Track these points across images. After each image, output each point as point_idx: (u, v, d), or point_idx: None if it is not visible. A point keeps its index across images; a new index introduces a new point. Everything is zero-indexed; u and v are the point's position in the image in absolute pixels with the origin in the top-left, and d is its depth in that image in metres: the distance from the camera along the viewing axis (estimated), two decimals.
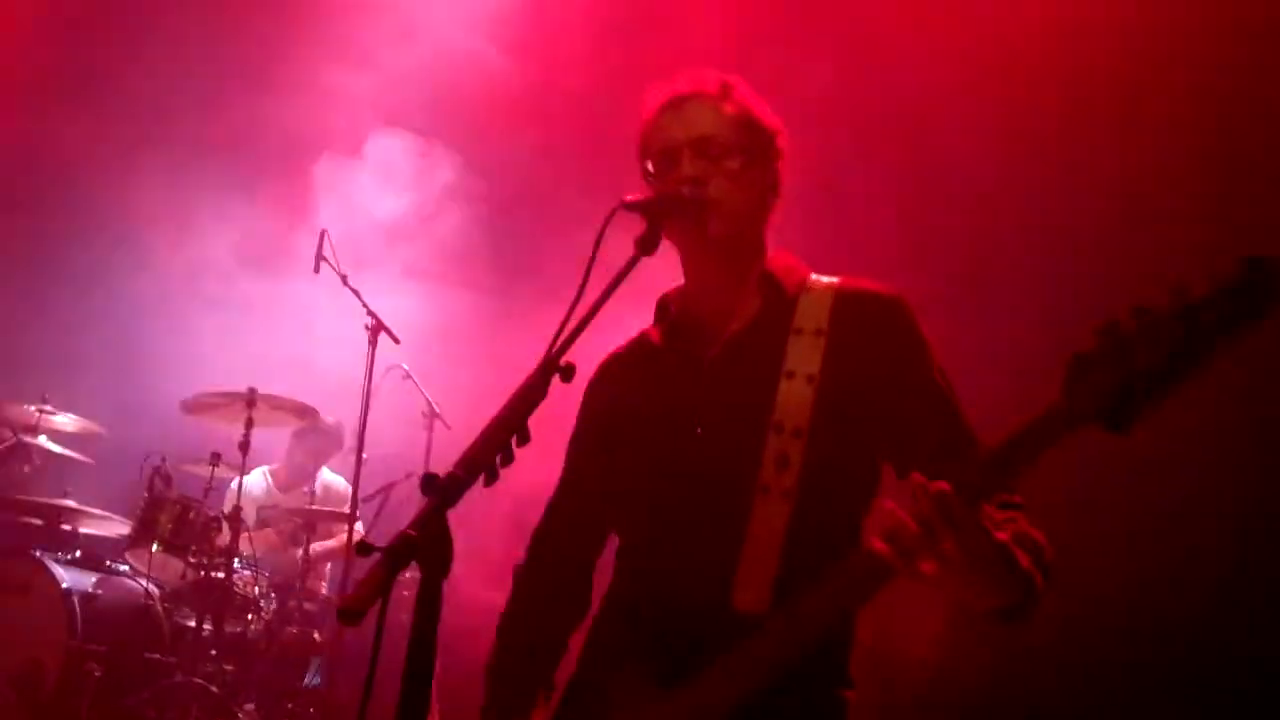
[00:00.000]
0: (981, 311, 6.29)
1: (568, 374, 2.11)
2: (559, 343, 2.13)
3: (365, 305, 6.60)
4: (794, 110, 2.80)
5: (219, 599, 6.31)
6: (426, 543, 1.89)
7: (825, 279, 2.68)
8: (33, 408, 6.85)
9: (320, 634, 6.61)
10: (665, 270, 2.63)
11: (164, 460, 6.55)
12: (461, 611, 2.55)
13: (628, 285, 2.26)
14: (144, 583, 6.41)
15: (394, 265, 7.68)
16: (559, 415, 2.80)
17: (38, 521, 6.85)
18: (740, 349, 2.62)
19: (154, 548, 6.37)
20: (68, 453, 6.95)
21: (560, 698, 2.69)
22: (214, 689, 6.04)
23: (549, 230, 7.21)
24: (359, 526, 6.54)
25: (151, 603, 6.36)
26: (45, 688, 5.92)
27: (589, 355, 2.37)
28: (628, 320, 2.65)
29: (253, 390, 6.61)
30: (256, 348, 7.54)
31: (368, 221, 7.84)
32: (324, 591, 7.12)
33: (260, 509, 7.08)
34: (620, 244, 2.35)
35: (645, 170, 2.68)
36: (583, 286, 2.20)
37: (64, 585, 6.12)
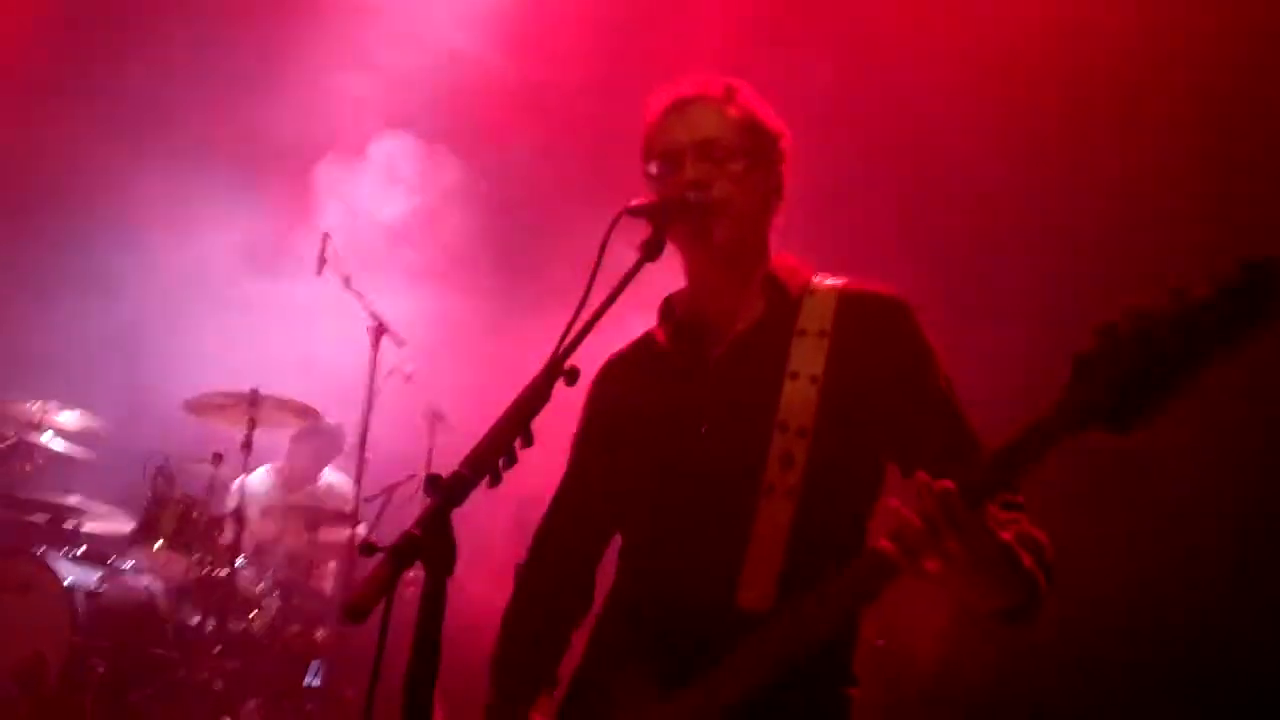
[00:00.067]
0: (983, 312, 6.30)
1: (572, 377, 2.12)
2: (564, 346, 2.15)
3: (368, 307, 6.62)
4: (794, 111, 2.81)
5: (222, 597, 6.33)
6: (430, 542, 1.90)
7: (829, 281, 2.69)
8: (36, 406, 6.86)
9: (323, 632, 6.62)
10: (669, 271, 2.64)
11: (167, 459, 6.56)
12: (465, 611, 2.55)
13: (631, 285, 2.27)
14: (147, 580, 6.42)
15: (397, 267, 7.69)
16: (562, 417, 2.83)
17: (41, 519, 6.85)
18: (744, 350, 2.63)
19: (157, 545, 6.38)
20: (71, 451, 6.95)
21: (564, 695, 2.70)
22: (217, 686, 6.06)
23: (553, 232, 7.22)
24: (361, 527, 6.56)
25: (154, 600, 6.37)
26: (48, 684, 5.93)
27: (592, 356, 2.39)
28: (630, 320, 2.66)
29: (255, 391, 6.61)
30: (260, 348, 7.55)
31: (371, 223, 7.84)
32: (328, 590, 7.13)
33: (263, 509, 7.09)
34: (624, 247, 2.36)
35: (648, 172, 2.69)
36: (587, 291, 2.21)
37: (67, 582, 6.12)
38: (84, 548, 6.60)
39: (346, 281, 6.62)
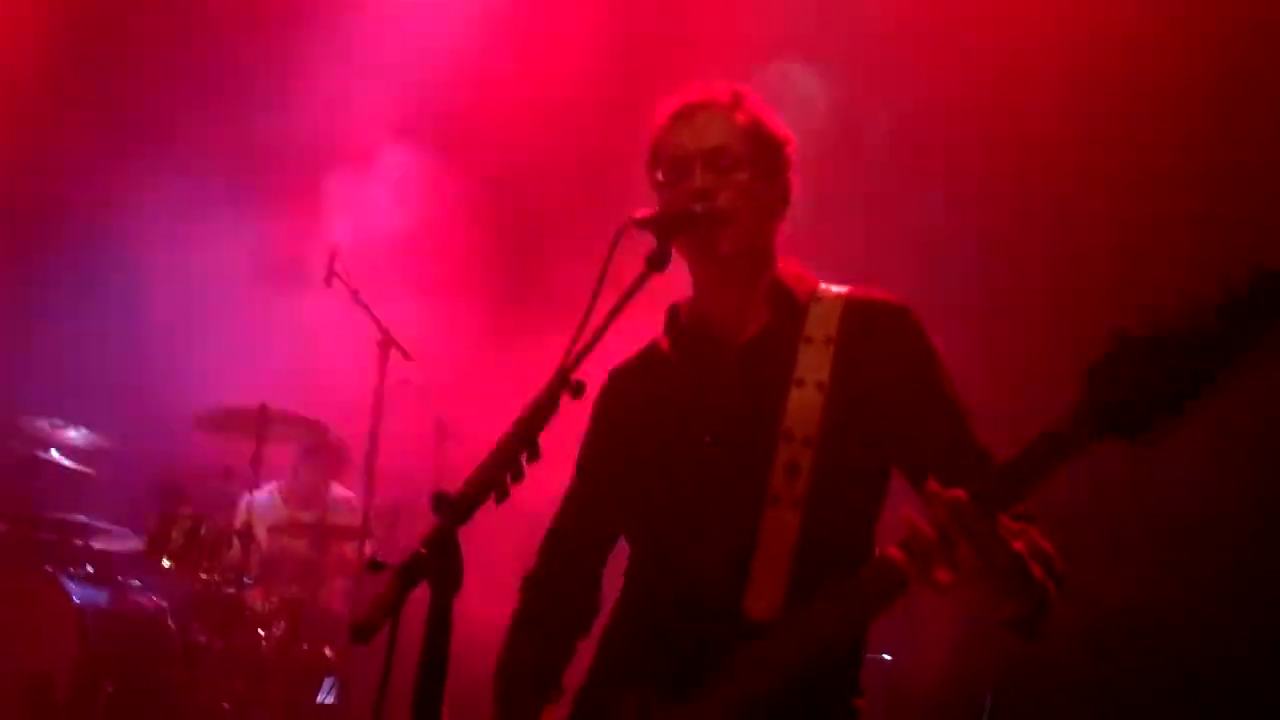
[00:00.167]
0: (988, 316, 6.29)
1: (578, 390, 2.11)
2: (570, 359, 2.13)
3: (376, 320, 6.61)
4: (798, 117, 2.80)
5: (230, 614, 6.31)
6: (437, 561, 1.89)
7: (834, 288, 2.69)
8: (45, 422, 6.86)
9: (332, 650, 6.60)
10: (673, 277, 2.63)
11: (175, 475, 6.56)
12: (472, 629, 2.54)
13: (636, 293, 2.26)
14: (155, 598, 6.41)
15: (405, 280, 7.68)
16: (568, 431, 2.81)
17: (50, 537, 6.85)
18: (750, 358, 2.63)
19: (165, 563, 6.37)
20: (80, 468, 6.95)
21: (571, 706, 2.70)
22: (225, 705, 6.04)
23: (560, 244, 7.21)
24: (369, 543, 6.55)
25: (163, 618, 6.36)
26: (57, 703, 5.93)
27: (597, 364, 2.38)
28: (635, 328, 2.65)
29: (264, 405, 6.61)
30: (267, 363, 7.54)
31: (379, 236, 7.84)
32: (337, 607, 7.11)
33: (272, 524, 7.07)
34: (630, 257, 2.35)
35: (654, 179, 2.69)
36: (593, 302, 2.20)
37: (76, 600, 6.12)
38: (92, 565, 6.59)
39: (354, 294, 6.62)
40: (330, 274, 6.56)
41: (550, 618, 2.87)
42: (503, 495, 2.01)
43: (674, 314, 2.76)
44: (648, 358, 2.81)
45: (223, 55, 8.06)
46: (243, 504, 6.84)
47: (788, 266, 2.71)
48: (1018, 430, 2.03)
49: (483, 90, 7.73)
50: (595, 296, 2.21)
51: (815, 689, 2.32)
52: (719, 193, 2.56)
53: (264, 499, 7.36)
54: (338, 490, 7.58)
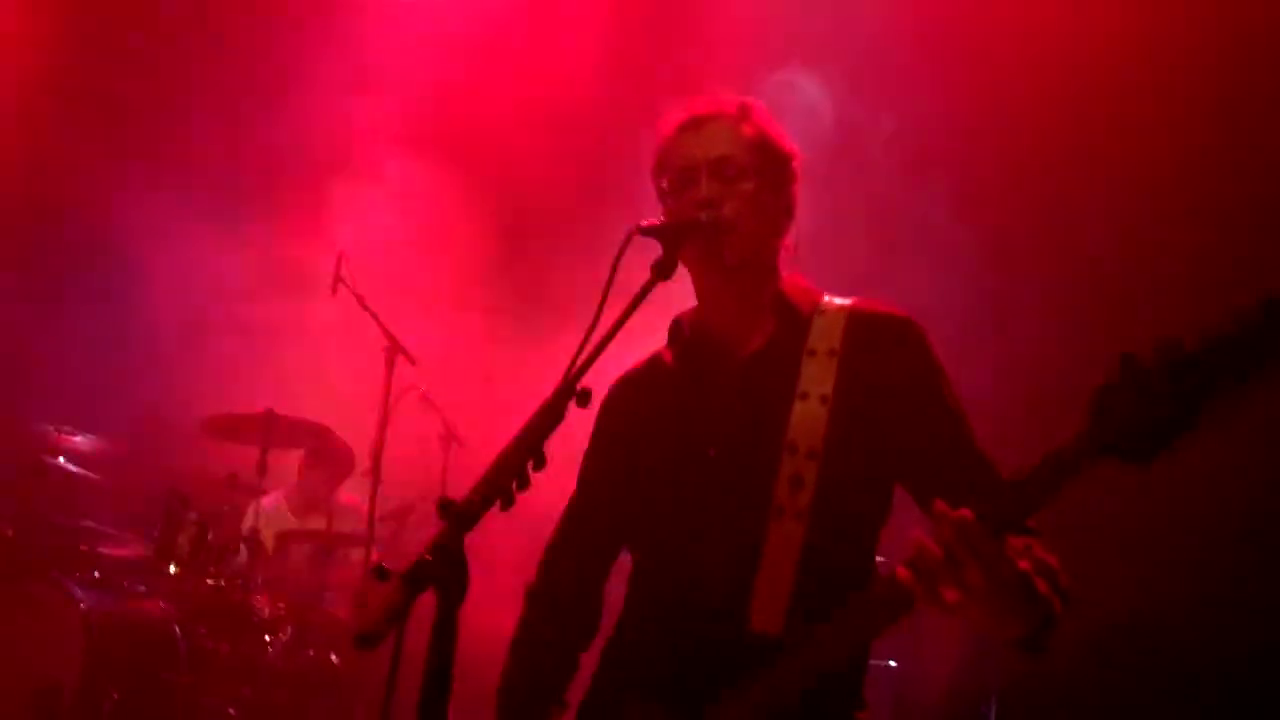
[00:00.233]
0: (999, 328, 6.29)
1: (584, 399, 2.11)
2: (576, 367, 2.14)
3: (382, 327, 6.62)
4: (804, 126, 2.81)
5: (237, 620, 6.31)
6: (443, 568, 1.89)
7: (838, 301, 2.69)
8: (51, 428, 6.87)
9: (338, 657, 6.60)
10: (673, 286, 2.63)
11: (182, 481, 6.56)
12: (477, 636, 2.54)
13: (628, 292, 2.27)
14: (162, 605, 6.41)
15: (411, 287, 7.69)
16: (574, 438, 2.82)
17: (56, 542, 6.85)
18: (754, 370, 2.63)
19: (172, 569, 6.37)
20: (86, 473, 6.96)
21: (574, 719, 2.70)
22: (231, 711, 6.04)
23: (566, 251, 7.21)
24: (375, 550, 6.54)
25: (169, 625, 6.35)
26: (63, 709, 5.92)
27: (602, 371, 2.38)
28: (637, 335, 2.65)
29: (270, 411, 6.61)
30: (274, 369, 7.55)
31: (385, 243, 7.84)
32: (343, 614, 7.10)
33: (278, 532, 7.07)
34: (637, 265, 2.36)
35: (660, 187, 2.70)
36: (599, 311, 2.20)
37: (82, 606, 6.12)
38: (99, 571, 6.59)
39: (360, 301, 6.62)
40: (336, 280, 6.56)
41: (553, 630, 2.87)
42: (508, 502, 2.01)
43: (677, 326, 2.76)
44: (651, 369, 2.81)
45: (229, 64, 8.08)
46: (250, 510, 6.83)
47: (792, 280, 2.72)
48: (1024, 439, 2.03)
49: (489, 97, 7.74)
50: (602, 304, 2.21)
51: (817, 703, 2.31)
52: (724, 202, 2.57)
53: (271, 505, 7.36)
54: (344, 497, 7.58)
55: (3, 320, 7.72)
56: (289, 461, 7.43)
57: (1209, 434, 1.84)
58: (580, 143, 7.60)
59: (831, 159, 5.93)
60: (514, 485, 2.02)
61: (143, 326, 8.08)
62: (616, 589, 2.82)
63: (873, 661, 2.60)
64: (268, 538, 6.84)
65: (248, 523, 6.67)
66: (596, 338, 2.18)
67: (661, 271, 2.36)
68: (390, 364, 6.57)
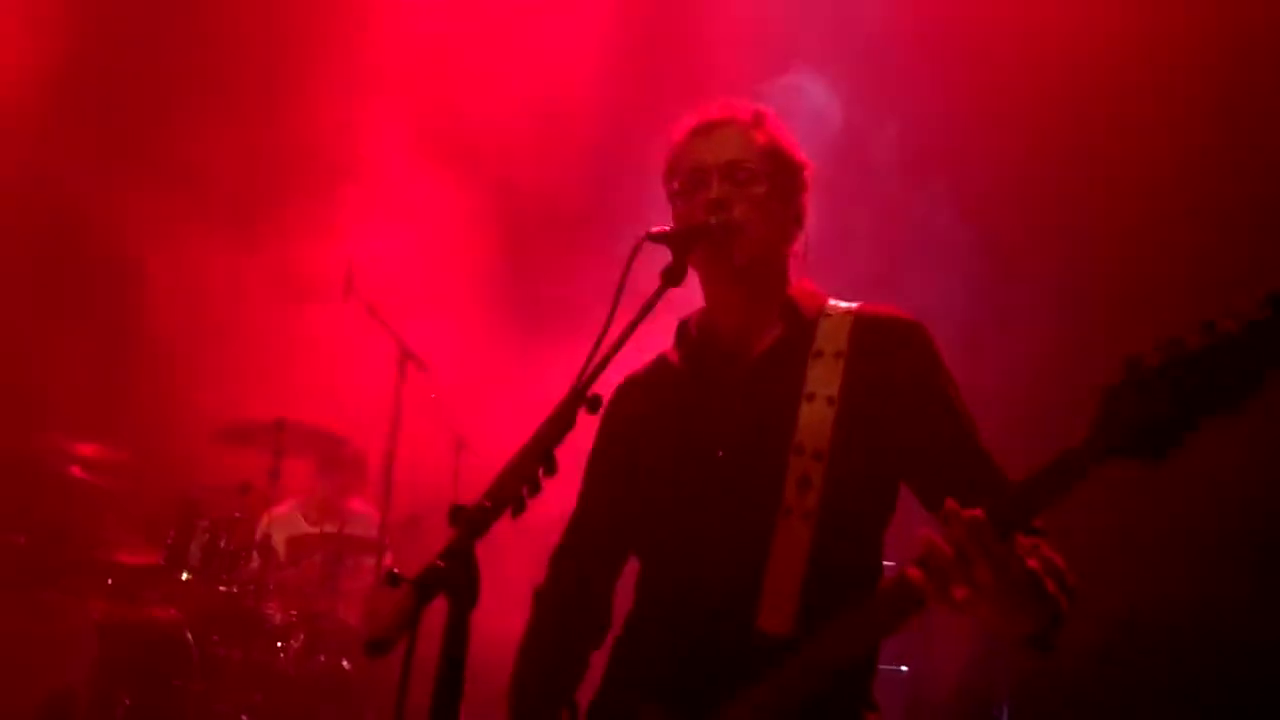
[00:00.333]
0: (1003, 331, 6.30)
1: (595, 405, 2.12)
2: (586, 373, 2.14)
3: (393, 333, 6.63)
4: (809, 129, 2.82)
5: (249, 627, 6.32)
6: (454, 574, 1.89)
7: (843, 304, 2.71)
8: (64, 437, 6.88)
9: (350, 663, 6.61)
10: (678, 289, 2.64)
11: (194, 489, 6.57)
12: (488, 642, 2.54)
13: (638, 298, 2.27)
14: (174, 612, 6.42)
15: (422, 293, 7.70)
16: (584, 444, 2.83)
17: (68, 550, 6.86)
18: (761, 372, 2.65)
19: (184, 576, 6.38)
20: (98, 482, 6.97)
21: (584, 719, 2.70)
22: (243, 717, 6.05)
23: (577, 258, 7.22)
24: (387, 556, 6.55)
25: (181, 632, 6.36)
26: (76, 716, 5.93)
27: (607, 376, 2.39)
28: (640, 338, 2.66)
29: (281, 419, 6.62)
30: (285, 377, 7.56)
31: (396, 250, 7.86)
32: (354, 620, 7.11)
33: (290, 537, 7.09)
34: (646, 270, 2.36)
35: (671, 189, 2.72)
36: (610, 317, 2.21)
37: (94, 614, 6.13)
38: (111, 579, 6.60)
39: (371, 308, 6.63)
40: (348, 288, 6.57)
41: (561, 632, 2.88)
42: (519, 509, 2.02)
43: (684, 328, 2.77)
44: (657, 371, 2.83)
45: (239, 72, 8.09)
46: (263, 517, 6.85)
47: (800, 285, 2.74)
48: (1029, 440, 2.04)
49: (498, 104, 7.74)
50: (613, 311, 2.22)
51: (827, 703, 2.32)
52: (734, 204, 2.59)
53: (284, 511, 7.38)
54: (356, 504, 7.59)
55: (14, 329, 7.74)
56: (301, 469, 7.44)
57: (1213, 434, 1.85)
58: (591, 148, 7.62)
59: (835, 162, 5.95)
60: (525, 491, 2.02)
61: (155, 335, 8.09)
62: (625, 590, 2.82)
63: (884, 666, 2.61)
64: (280, 543, 6.85)
65: (260, 530, 6.68)
66: (607, 344, 2.18)
67: (671, 278, 2.38)
68: (401, 371, 6.59)
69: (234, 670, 6.24)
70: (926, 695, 6.04)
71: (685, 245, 2.45)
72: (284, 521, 7.36)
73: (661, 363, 2.82)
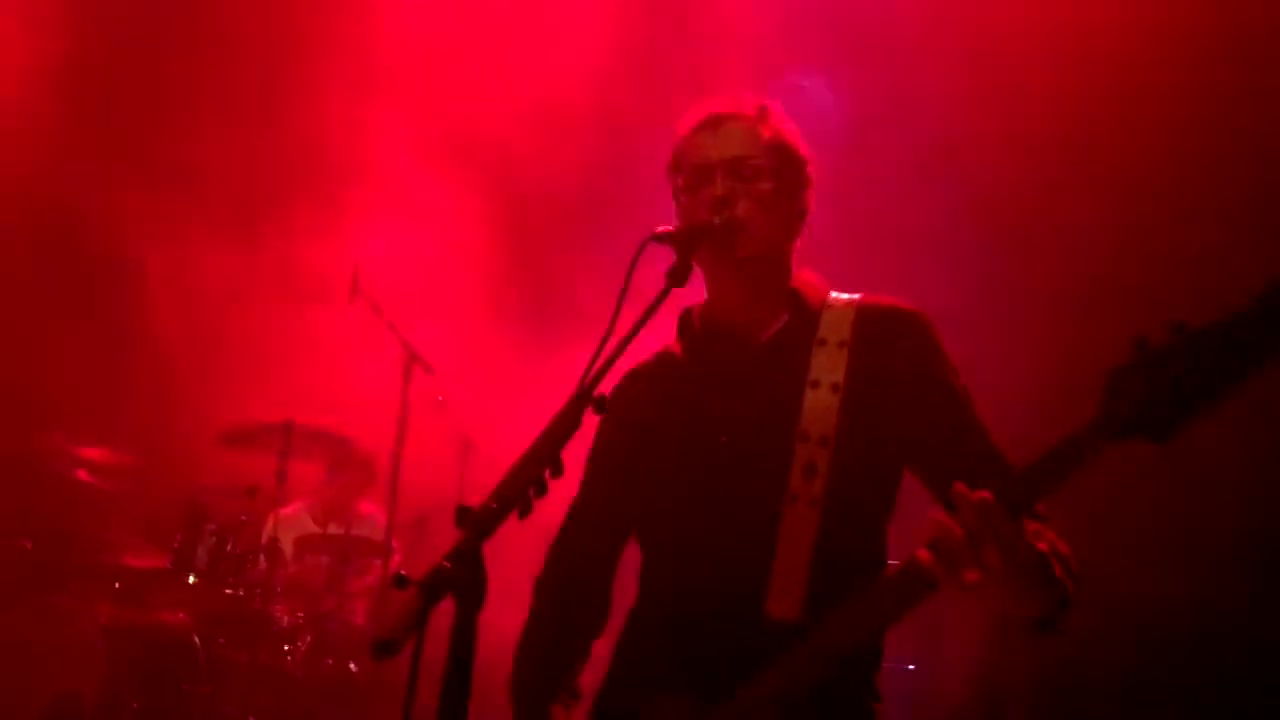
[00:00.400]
0: (1000, 316, 6.30)
1: (601, 405, 2.12)
2: (591, 374, 2.14)
3: (399, 336, 6.63)
4: (813, 123, 2.83)
5: (256, 629, 6.33)
6: (461, 576, 1.89)
7: (846, 295, 2.74)
8: (69, 441, 6.88)
9: (357, 665, 6.61)
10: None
11: (201, 492, 6.58)
12: (495, 642, 2.55)
13: (641, 297, 2.27)
14: (181, 615, 6.43)
15: (428, 295, 7.70)
16: (590, 445, 2.82)
17: (75, 555, 6.86)
18: (766, 360, 2.66)
19: (190, 579, 6.39)
20: (104, 485, 6.97)
21: (591, 709, 2.71)
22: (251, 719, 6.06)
23: (583, 258, 7.23)
24: (394, 558, 6.55)
25: (188, 635, 6.37)
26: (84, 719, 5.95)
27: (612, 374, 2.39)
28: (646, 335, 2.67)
29: (288, 421, 6.62)
30: (291, 379, 7.56)
31: (401, 251, 7.86)
32: (362, 622, 7.11)
33: (297, 539, 7.09)
34: (650, 269, 2.37)
35: (675, 184, 2.73)
36: (614, 318, 2.22)
37: (101, 617, 6.14)
38: (118, 582, 6.61)
39: (378, 310, 6.64)
40: (354, 290, 6.57)
41: (562, 621, 2.88)
42: (526, 510, 2.02)
43: (686, 319, 2.78)
44: (659, 363, 2.83)
45: (242, 73, 8.09)
46: (269, 519, 6.85)
47: (803, 276, 2.76)
48: (1031, 429, 2.05)
49: (503, 104, 7.75)
50: (617, 311, 2.23)
51: (832, 691, 2.34)
52: (738, 201, 2.60)
53: (291, 513, 7.38)
54: (364, 506, 7.60)
55: (18, 331, 7.75)
56: (309, 471, 7.44)
57: (1213, 433, 1.86)
58: (597, 150, 7.62)
59: (837, 156, 5.94)
60: (531, 493, 2.03)
61: (159, 337, 8.10)
62: (627, 578, 2.82)
63: (892, 665, 2.61)
64: (287, 544, 6.86)
65: (268, 532, 6.68)
66: (611, 344, 2.18)
67: (676, 278, 2.39)
68: (407, 373, 6.59)
69: (241, 673, 6.25)
70: (937, 695, 6.04)
71: (689, 245, 2.46)
72: (291, 522, 7.37)
73: (664, 354, 2.83)
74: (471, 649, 1.90)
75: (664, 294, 2.33)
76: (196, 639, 6.38)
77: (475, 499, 2.00)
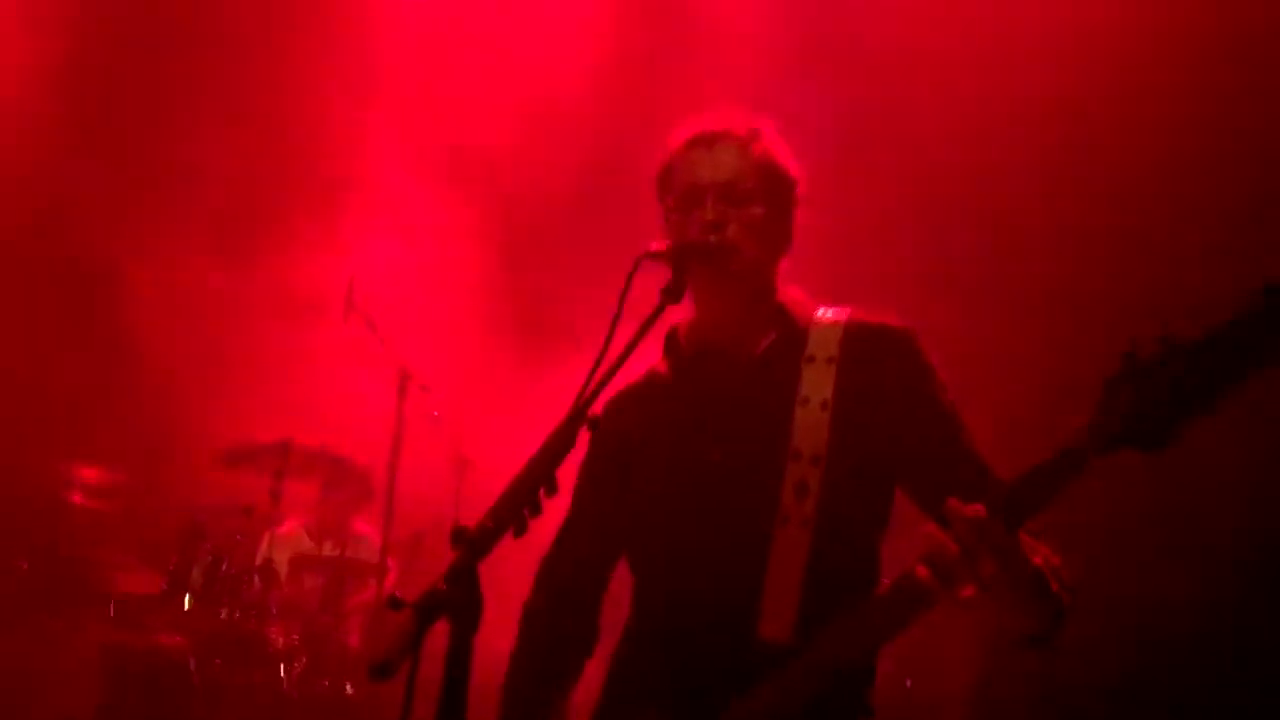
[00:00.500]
0: (1006, 321, 6.31)
1: (596, 425, 2.11)
2: (587, 392, 2.14)
3: (395, 353, 6.63)
4: (809, 132, 2.82)
5: (251, 651, 6.31)
6: (456, 597, 1.89)
7: (832, 311, 2.73)
8: (65, 462, 6.88)
9: (353, 686, 6.59)
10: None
11: (196, 513, 6.56)
12: (491, 663, 2.54)
13: (628, 316, 2.27)
14: (176, 637, 6.41)
15: (424, 312, 7.70)
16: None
17: (71, 576, 6.85)
18: (754, 378, 2.66)
19: (186, 601, 6.37)
20: (100, 507, 6.96)
21: None
22: None
23: (578, 274, 7.22)
24: (390, 578, 6.53)
25: (184, 657, 6.35)
26: None
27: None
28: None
29: (284, 441, 6.61)
30: (285, 397, 7.55)
31: (396, 269, 7.86)
32: (357, 643, 7.09)
33: (292, 559, 7.07)
34: (642, 286, 2.36)
35: (665, 202, 2.73)
36: (609, 335, 2.21)
37: (97, 639, 6.12)
38: (113, 604, 6.59)
39: (373, 327, 6.63)
40: (348, 307, 6.57)
41: (550, 646, 2.87)
42: (522, 529, 2.01)
43: (672, 338, 2.78)
44: (647, 383, 2.82)
45: (238, 90, 8.10)
46: (265, 539, 6.84)
47: (789, 292, 2.75)
48: (1025, 442, 2.05)
49: (496, 121, 7.75)
50: (612, 329, 2.22)
51: (826, 706, 2.33)
52: (729, 225, 2.60)
53: (286, 532, 7.37)
54: (359, 525, 7.58)
55: (13, 353, 7.74)
56: (305, 491, 7.43)
57: (1212, 434, 1.86)
58: (590, 165, 7.62)
59: (833, 161, 5.95)
60: (527, 512, 2.02)
61: (153, 355, 8.09)
62: (617, 600, 2.82)
63: (888, 681, 2.60)
64: (282, 563, 6.84)
65: (263, 553, 6.66)
66: (607, 362, 2.18)
67: (671, 295, 2.39)
68: (402, 390, 6.58)
69: (237, 695, 6.22)
70: (933, 711, 6.02)
71: (684, 262, 2.46)
72: (287, 541, 7.35)
73: (651, 374, 2.82)
74: (467, 670, 1.89)
75: (659, 311, 2.34)
76: (192, 661, 6.36)
77: (471, 517, 2.00)
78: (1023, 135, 6.60)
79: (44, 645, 6.17)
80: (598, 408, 2.13)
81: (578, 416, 2.10)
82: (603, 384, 2.16)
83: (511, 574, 2.65)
